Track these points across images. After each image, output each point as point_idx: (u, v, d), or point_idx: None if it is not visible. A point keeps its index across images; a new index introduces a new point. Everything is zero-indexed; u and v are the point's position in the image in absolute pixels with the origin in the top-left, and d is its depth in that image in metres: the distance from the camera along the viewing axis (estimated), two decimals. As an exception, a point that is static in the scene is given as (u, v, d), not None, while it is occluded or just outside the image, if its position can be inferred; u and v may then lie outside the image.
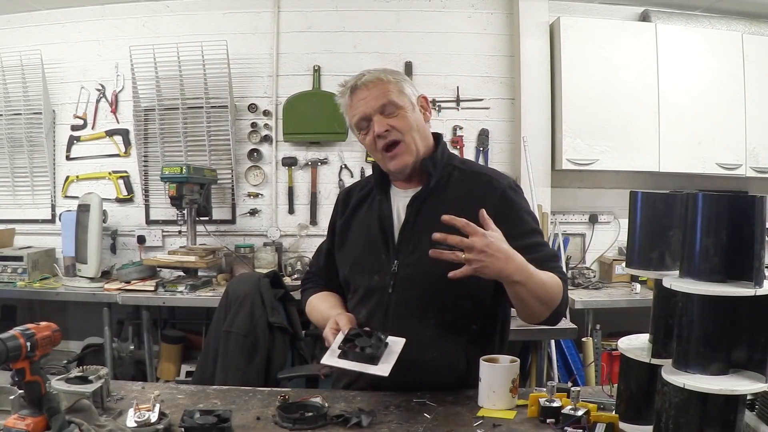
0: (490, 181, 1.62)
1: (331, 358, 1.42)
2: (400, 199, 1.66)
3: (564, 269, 1.63)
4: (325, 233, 1.88)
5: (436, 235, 1.33)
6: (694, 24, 3.92)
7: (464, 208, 1.57)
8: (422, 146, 1.62)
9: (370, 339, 1.43)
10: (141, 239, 4.01)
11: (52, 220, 4.09)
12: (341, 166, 4.00)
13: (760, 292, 1.08)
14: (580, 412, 1.28)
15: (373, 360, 1.39)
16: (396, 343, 1.45)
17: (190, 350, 3.71)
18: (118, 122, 4.06)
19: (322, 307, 1.71)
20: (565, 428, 1.27)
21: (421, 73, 3.94)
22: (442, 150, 1.66)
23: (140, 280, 3.50)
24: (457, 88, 3.97)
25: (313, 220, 3.99)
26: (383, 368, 1.37)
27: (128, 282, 3.46)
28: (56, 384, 1.35)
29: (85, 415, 1.22)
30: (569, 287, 3.56)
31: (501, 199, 1.58)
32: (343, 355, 1.41)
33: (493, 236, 1.33)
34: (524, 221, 1.59)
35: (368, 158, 3.97)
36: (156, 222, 4.07)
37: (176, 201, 3.50)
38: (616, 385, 1.42)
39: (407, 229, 1.61)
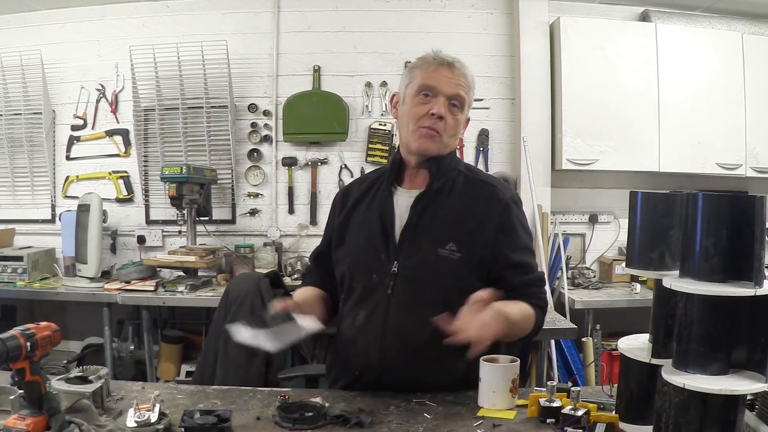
0: (494, 192, 1.64)
1: (237, 330, 1.44)
2: (403, 200, 1.65)
3: (545, 293, 1.68)
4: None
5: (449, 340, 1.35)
6: (694, 24, 3.92)
7: (467, 215, 1.60)
8: (446, 151, 1.64)
9: (281, 318, 1.45)
10: (141, 239, 4.01)
11: (52, 220, 4.09)
12: (341, 166, 4.00)
13: (760, 292, 1.08)
14: (580, 412, 1.28)
15: (273, 337, 1.41)
16: (308, 325, 1.46)
17: (190, 350, 3.71)
18: (118, 122, 4.06)
19: (295, 298, 1.71)
20: (565, 428, 1.27)
21: (421, 73, 3.94)
22: (450, 156, 1.68)
23: (140, 280, 3.50)
24: (457, 88, 3.97)
25: (313, 220, 3.99)
26: (273, 345, 1.39)
27: (128, 282, 3.46)
28: (56, 384, 1.35)
29: (85, 415, 1.22)
30: (570, 287, 3.62)
31: (503, 211, 1.61)
32: (253, 332, 1.43)
33: (485, 321, 1.36)
34: (521, 237, 1.63)
35: (368, 158, 3.97)
36: (156, 222, 4.07)
37: (176, 201, 3.50)
38: (616, 385, 1.42)
39: (409, 230, 1.60)
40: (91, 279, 3.50)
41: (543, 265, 3.61)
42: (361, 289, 1.64)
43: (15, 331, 1.13)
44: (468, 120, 1.69)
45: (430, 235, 1.59)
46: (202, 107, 3.92)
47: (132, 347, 3.66)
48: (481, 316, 1.36)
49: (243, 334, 1.41)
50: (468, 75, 1.63)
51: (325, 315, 1.70)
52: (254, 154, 4.02)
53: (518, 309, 1.53)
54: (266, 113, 4.01)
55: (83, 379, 1.39)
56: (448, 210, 1.61)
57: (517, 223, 1.63)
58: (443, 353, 1.55)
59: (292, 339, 1.42)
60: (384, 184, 1.68)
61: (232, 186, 4.03)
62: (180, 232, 3.90)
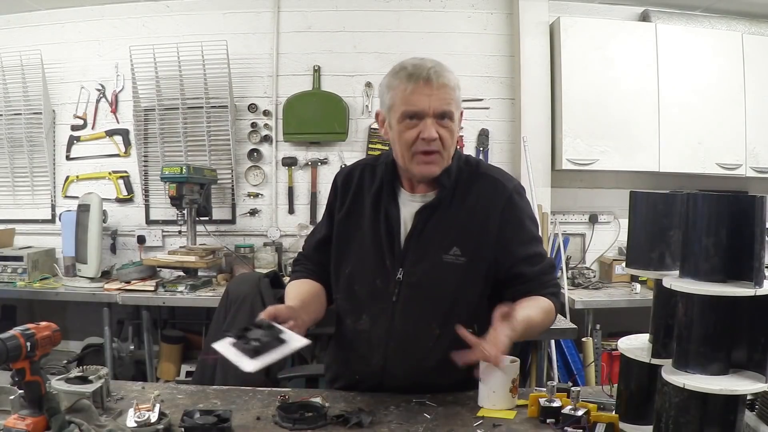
0: (495, 185, 1.58)
1: (220, 343, 1.33)
2: (406, 205, 1.60)
3: (558, 278, 1.64)
4: None
5: (462, 360, 1.32)
6: (694, 24, 3.92)
7: (470, 216, 1.56)
8: (448, 163, 1.57)
9: (264, 332, 1.32)
10: (141, 239, 4.01)
11: (52, 220, 4.10)
12: (341, 166, 3.96)
13: (760, 292, 1.08)
14: (580, 412, 1.28)
15: (254, 354, 1.29)
16: (294, 342, 1.34)
17: (190, 350, 3.71)
18: (118, 122, 4.06)
19: (290, 295, 1.62)
20: (565, 428, 1.27)
21: (421, 73, 3.94)
22: (457, 160, 1.61)
23: (140, 280, 3.50)
24: (457, 88, 3.96)
25: (313, 220, 3.99)
26: (251, 364, 1.27)
27: (128, 282, 3.45)
28: (56, 384, 1.35)
29: (85, 415, 1.22)
30: (570, 287, 3.62)
31: (507, 204, 1.56)
32: (234, 344, 1.32)
33: (501, 340, 1.31)
34: (527, 229, 1.59)
35: (368, 158, 3.97)
36: (156, 222, 4.07)
37: (176, 201, 3.49)
38: (616, 385, 1.42)
39: (414, 237, 1.56)
40: (91, 279, 3.50)
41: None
42: (364, 292, 1.60)
43: (15, 331, 1.13)
44: (462, 114, 1.59)
45: (434, 241, 1.55)
46: (202, 107, 3.92)
47: (132, 347, 3.66)
48: (500, 338, 1.30)
49: (226, 348, 1.32)
50: (449, 81, 1.51)
51: (321, 313, 1.63)
52: (254, 154, 4.02)
53: (539, 309, 1.50)
54: (266, 113, 4.01)
55: (83, 379, 1.39)
56: (453, 214, 1.56)
57: (522, 214, 1.59)
58: (445, 360, 1.54)
59: (274, 358, 1.29)
60: (386, 187, 1.61)
61: (232, 186, 4.03)
62: (180, 232, 3.90)
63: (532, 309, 1.48)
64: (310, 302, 1.60)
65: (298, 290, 1.64)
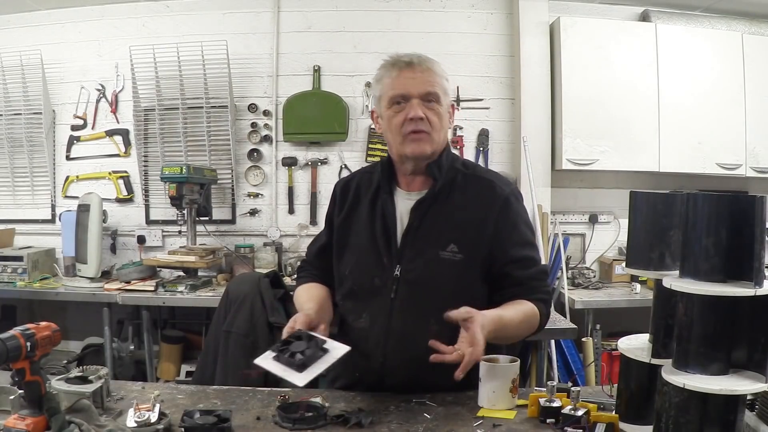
0: (493, 188, 1.62)
1: (263, 359, 1.36)
2: (402, 202, 1.63)
3: (550, 286, 1.65)
4: None
5: (435, 357, 1.35)
6: (694, 24, 3.92)
7: (466, 215, 1.59)
8: (440, 147, 1.61)
9: (307, 344, 1.37)
10: (141, 239, 4.01)
11: (52, 220, 4.10)
12: (341, 166, 4.00)
13: (760, 292, 1.07)
14: (580, 412, 1.28)
15: (302, 367, 1.33)
16: (336, 350, 1.39)
17: (190, 350, 3.71)
18: (118, 122, 4.06)
19: (302, 299, 1.67)
20: (565, 428, 1.27)
21: (421, 73, 3.94)
22: (447, 154, 1.65)
23: (140, 280, 3.50)
24: (457, 88, 3.97)
25: (313, 220, 3.99)
26: (301, 378, 1.31)
27: (128, 282, 3.46)
28: (56, 384, 1.35)
29: (85, 415, 1.22)
30: (570, 287, 3.62)
31: (503, 206, 1.59)
32: (276, 358, 1.36)
33: (476, 337, 1.33)
34: (521, 232, 1.61)
35: (368, 158, 3.97)
36: (156, 222, 4.07)
37: (176, 201, 3.50)
38: (616, 385, 1.43)
39: (410, 233, 1.59)
40: (91, 279, 3.50)
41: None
42: (363, 292, 1.62)
43: (15, 331, 1.13)
44: (453, 106, 1.64)
45: (431, 237, 1.57)
46: (202, 107, 3.92)
47: (132, 347, 3.66)
48: (475, 336, 1.33)
49: (270, 364, 1.35)
50: (433, 66, 1.58)
51: (332, 314, 1.67)
52: (254, 154, 4.02)
53: (518, 312, 1.52)
54: (266, 113, 4.01)
55: (83, 379, 1.38)
56: (449, 211, 1.59)
57: (517, 218, 1.61)
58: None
59: (321, 368, 1.35)
60: (382, 187, 1.65)
61: (232, 186, 4.03)
62: (180, 232, 3.90)
63: (508, 310, 1.50)
64: (325, 304, 1.65)
65: (310, 294, 1.69)
